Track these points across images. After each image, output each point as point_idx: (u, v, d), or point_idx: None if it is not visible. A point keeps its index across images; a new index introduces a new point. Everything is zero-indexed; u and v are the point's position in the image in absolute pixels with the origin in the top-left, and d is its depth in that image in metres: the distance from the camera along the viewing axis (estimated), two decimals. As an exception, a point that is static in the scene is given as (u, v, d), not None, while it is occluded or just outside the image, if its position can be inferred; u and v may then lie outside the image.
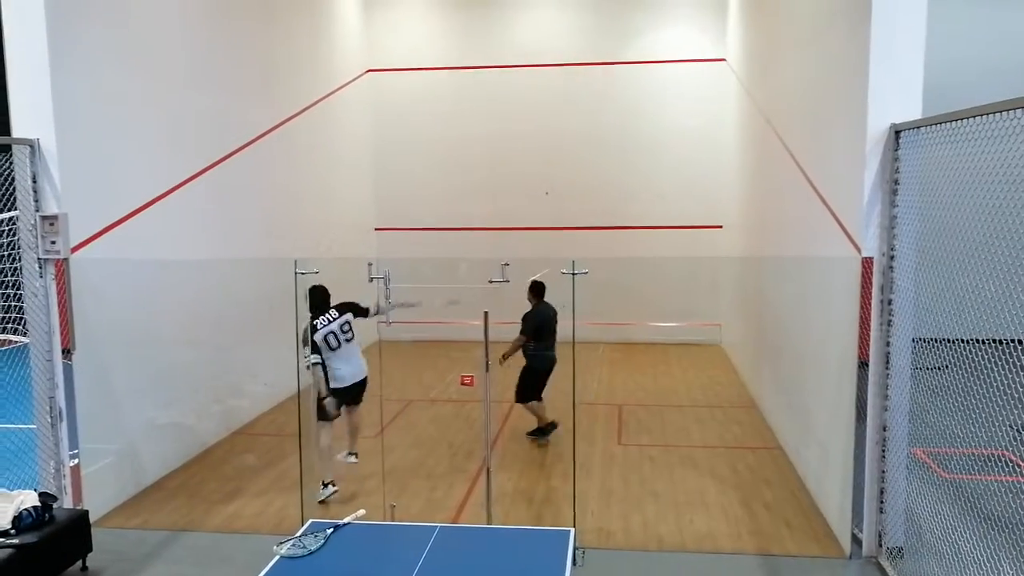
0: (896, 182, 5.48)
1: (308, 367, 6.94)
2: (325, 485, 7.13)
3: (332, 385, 7.11)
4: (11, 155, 6.13)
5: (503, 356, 8.21)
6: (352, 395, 7.32)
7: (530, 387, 8.63)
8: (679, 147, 14.17)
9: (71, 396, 6.38)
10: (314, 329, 7.05)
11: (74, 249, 6.39)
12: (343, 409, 7.37)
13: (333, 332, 7.11)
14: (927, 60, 5.50)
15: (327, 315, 7.13)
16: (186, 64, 8.29)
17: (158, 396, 7.74)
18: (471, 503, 7.07)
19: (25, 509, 5.29)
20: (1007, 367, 4.15)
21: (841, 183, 6.33)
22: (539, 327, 8.46)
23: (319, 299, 7.08)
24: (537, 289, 8.54)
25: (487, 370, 6.05)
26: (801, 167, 7.82)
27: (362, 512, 4.93)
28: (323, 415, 7.18)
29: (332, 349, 7.09)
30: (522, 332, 8.43)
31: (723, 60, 13.69)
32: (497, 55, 14.34)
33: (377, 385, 7.43)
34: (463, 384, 8.64)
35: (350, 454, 7.53)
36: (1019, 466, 5.88)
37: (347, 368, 7.17)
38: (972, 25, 12.14)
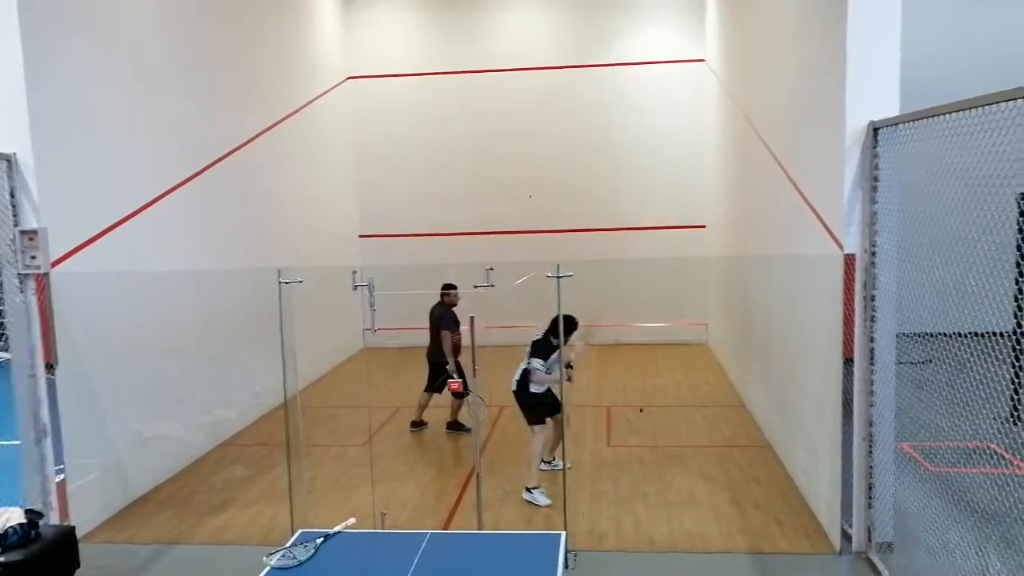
0: (876, 179, 5.51)
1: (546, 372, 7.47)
2: (528, 490, 7.24)
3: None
4: (-11, 170, 6.08)
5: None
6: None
7: None
8: (661, 148, 14.22)
9: (55, 411, 6.32)
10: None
11: (55, 263, 6.34)
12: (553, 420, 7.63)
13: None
14: (904, 58, 5.55)
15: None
16: (165, 74, 8.25)
17: (144, 409, 7.68)
18: (461, 508, 7.06)
19: (11, 526, 5.22)
20: (990, 359, 4.18)
21: (821, 181, 6.37)
22: None
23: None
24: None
25: (475, 375, 6.04)
26: (782, 165, 7.87)
27: (352, 520, 4.91)
28: (537, 419, 7.53)
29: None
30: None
31: (702, 61, 13.76)
32: (477, 59, 14.36)
33: (364, 393, 7.41)
34: (451, 389, 8.63)
35: (545, 462, 7.78)
36: (1004, 458, 5.92)
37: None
38: (947, 23, 12.25)
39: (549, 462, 7.84)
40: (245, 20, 10.26)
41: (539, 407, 7.46)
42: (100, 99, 7.17)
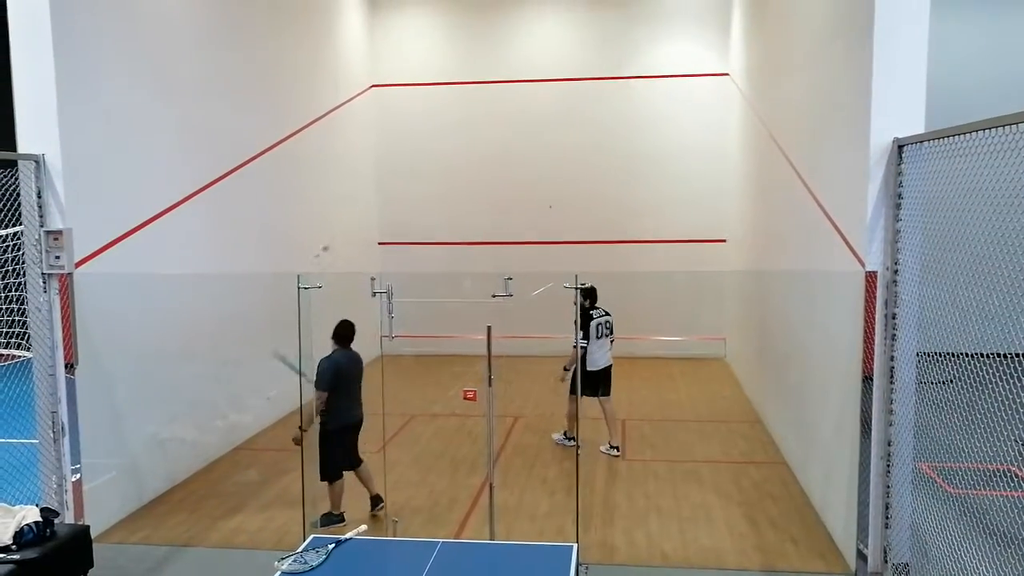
0: (899, 196, 5.47)
1: (574, 347, 8.01)
2: (568, 438, 8.82)
3: (588, 368, 8.43)
4: (16, 170, 6.16)
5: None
6: (601, 380, 8.63)
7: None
8: (683, 161, 14.19)
9: (73, 411, 6.37)
10: (590, 317, 8.41)
11: (78, 264, 6.40)
12: (599, 400, 8.74)
13: (602, 324, 8.51)
14: (929, 75, 5.51)
15: (600, 308, 8.54)
16: (191, 80, 8.33)
17: (160, 411, 7.73)
18: (474, 518, 7.04)
19: (26, 524, 5.27)
20: (1012, 381, 4.12)
21: (845, 197, 6.33)
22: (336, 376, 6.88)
23: (593, 293, 8.56)
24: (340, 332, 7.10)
25: (490, 384, 6.03)
26: (805, 181, 7.82)
27: (364, 528, 4.91)
28: (574, 389, 8.18)
29: (597, 338, 8.44)
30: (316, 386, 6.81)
31: (726, 74, 13.73)
32: (500, 70, 14.41)
33: (379, 400, 7.41)
34: (466, 399, 8.61)
35: (612, 447, 8.71)
36: (1025, 481, 5.83)
37: (600, 355, 8.54)
38: (975, 39, 12.17)
39: (569, 436, 8.83)
40: (272, 28, 10.35)
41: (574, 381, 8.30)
42: (128, 103, 7.25)
